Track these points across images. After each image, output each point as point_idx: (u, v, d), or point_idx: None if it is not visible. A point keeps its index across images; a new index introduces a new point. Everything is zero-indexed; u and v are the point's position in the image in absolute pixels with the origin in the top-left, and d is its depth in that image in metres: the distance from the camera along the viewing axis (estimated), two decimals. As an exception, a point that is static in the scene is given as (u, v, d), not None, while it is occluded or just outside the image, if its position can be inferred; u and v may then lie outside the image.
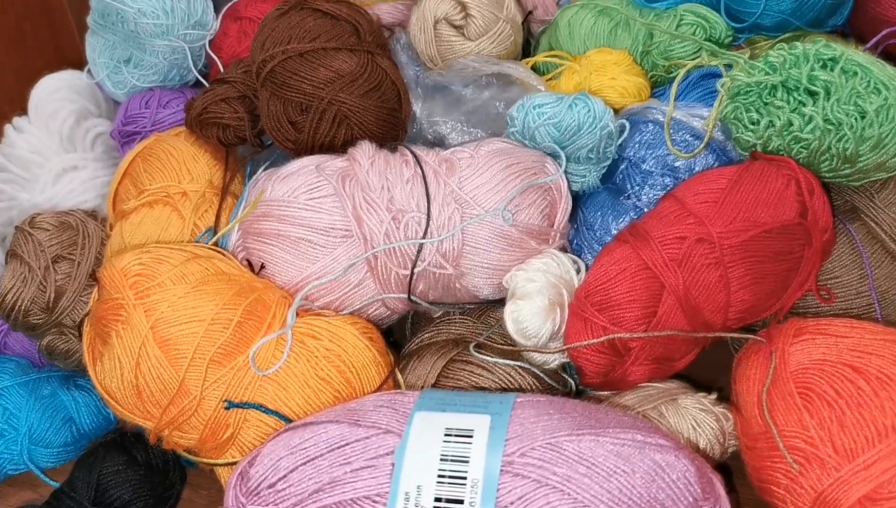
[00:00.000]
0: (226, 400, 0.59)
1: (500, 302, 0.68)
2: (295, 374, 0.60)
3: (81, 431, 0.70)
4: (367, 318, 0.68)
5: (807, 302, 0.67)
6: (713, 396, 0.64)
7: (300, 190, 0.66)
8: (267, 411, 0.59)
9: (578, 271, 0.67)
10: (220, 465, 0.61)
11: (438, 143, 0.76)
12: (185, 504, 0.67)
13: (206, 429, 0.60)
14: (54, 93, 0.85)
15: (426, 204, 0.64)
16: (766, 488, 0.57)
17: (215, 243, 0.68)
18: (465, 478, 0.50)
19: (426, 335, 0.69)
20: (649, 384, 0.64)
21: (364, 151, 0.68)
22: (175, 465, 0.65)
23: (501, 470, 0.50)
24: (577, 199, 0.74)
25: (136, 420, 0.61)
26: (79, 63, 0.92)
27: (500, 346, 0.66)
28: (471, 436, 0.52)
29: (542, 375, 0.65)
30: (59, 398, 0.70)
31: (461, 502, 0.49)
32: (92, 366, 0.61)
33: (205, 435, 0.60)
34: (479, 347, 0.66)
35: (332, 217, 0.65)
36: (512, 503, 0.49)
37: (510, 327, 0.63)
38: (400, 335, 0.75)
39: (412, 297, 0.66)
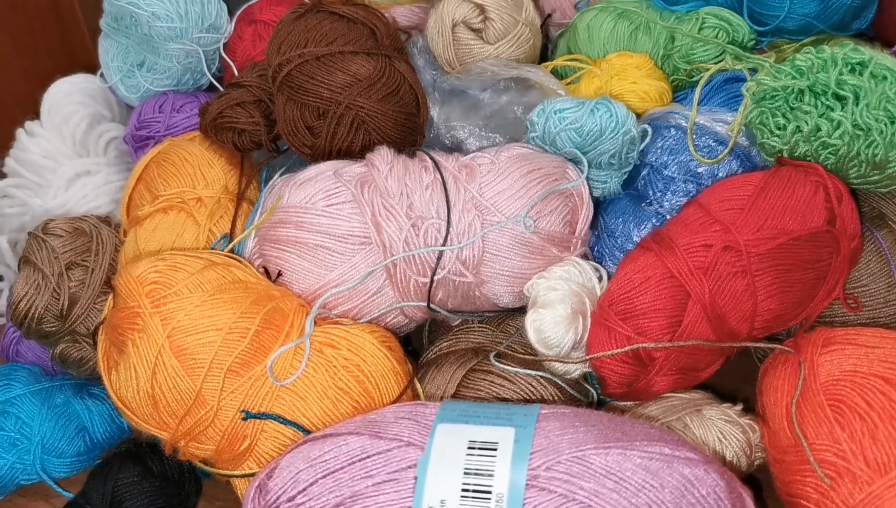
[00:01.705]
0: (243, 411, 0.58)
1: (520, 310, 0.67)
2: (313, 384, 0.59)
3: (95, 440, 0.69)
4: (385, 326, 0.66)
5: (833, 311, 0.66)
6: (739, 407, 0.62)
7: (318, 196, 0.65)
8: (285, 421, 0.58)
9: (601, 279, 0.66)
10: (237, 476, 0.60)
11: (456, 147, 0.75)
12: (200, 517, 0.66)
13: (223, 440, 0.59)
14: (67, 97, 0.85)
15: (446, 211, 0.63)
16: (795, 502, 0.56)
17: (231, 250, 0.67)
18: (490, 492, 0.49)
19: (445, 344, 0.68)
20: (673, 394, 0.63)
21: (382, 156, 0.66)
22: (191, 476, 0.64)
23: (527, 485, 0.49)
24: (598, 205, 0.72)
25: (151, 431, 0.60)
26: (90, 67, 0.91)
27: (520, 355, 0.64)
28: (495, 449, 0.51)
29: (564, 385, 0.64)
30: (72, 406, 0.69)
31: (486, 517, 0.48)
32: (107, 375, 0.60)
33: (221, 446, 0.59)
34: (499, 356, 0.64)
35: (350, 224, 0.64)
36: (538, 517, 0.48)
37: (532, 336, 0.62)
38: (418, 344, 0.74)
39: (431, 305, 0.65)
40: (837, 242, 0.62)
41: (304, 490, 0.52)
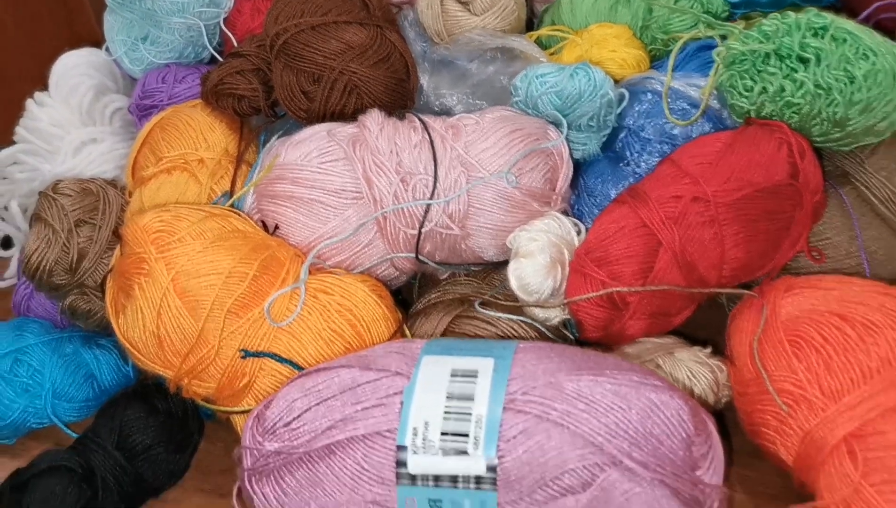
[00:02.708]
0: (242, 350, 0.62)
1: (505, 264, 0.71)
2: (308, 326, 0.63)
3: (102, 387, 0.73)
4: (377, 278, 0.70)
5: (799, 263, 0.70)
6: (708, 350, 0.67)
7: (313, 154, 0.69)
8: (281, 360, 0.62)
9: (579, 233, 0.70)
10: (237, 412, 0.64)
11: (445, 114, 0.79)
12: (202, 455, 0.70)
13: (224, 378, 0.63)
14: (74, 68, 0.88)
15: (433, 167, 0.67)
16: (756, 430, 0.60)
17: (231, 206, 0.70)
18: (470, 414, 0.53)
19: (433, 296, 0.72)
20: (646, 338, 0.67)
21: (374, 118, 0.70)
22: (194, 415, 0.68)
23: (504, 408, 0.53)
24: (579, 166, 0.76)
25: (156, 370, 0.64)
26: (94, 43, 0.95)
27: (503, 303, 0.68)
28: (475, 376, 0.55)
29: (543, 330, 0.68)
30: (81, 355, 0.73)
31: (466, 436, 0.52)
32: (115, 319, 0.64)
33: (222, 384, 0.63)
34: (483, 304, 0.69)
35: (343, 179, 0.68)
36: (514, 437, 0.52)
37: (513, 283, 0.66)
38: (409, 299, 0.78)
39: (420, 257, 0.69)
40: (800, 195, 0.66)
41: (299, 416, 0.56)
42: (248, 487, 0.57)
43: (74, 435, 0.70)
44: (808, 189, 0.66)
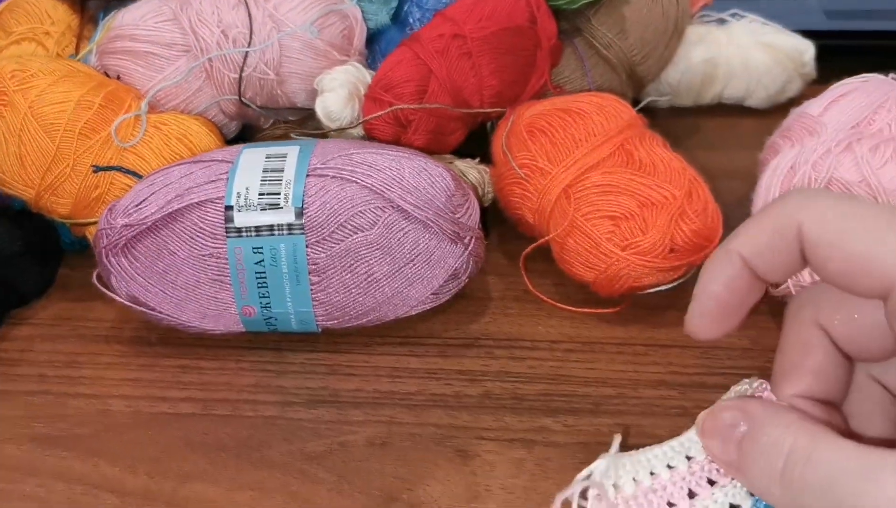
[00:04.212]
0: (93, 165, 0.75)
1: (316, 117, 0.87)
2: (151, 148, 0.77)
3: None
4: (208, 122, 0.85)
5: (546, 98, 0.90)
6: (477, 159, 0.85)
7: (148, 16, 0.82)
8: (127, 171, 0.76)
9: (372, 77, 0.87)
10: (92, 223, 0.77)
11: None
12: (62, 280, 0.82)
13: (79, 192, 0.75)
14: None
15: (249, 22, 0.82)
16: (507, 200, 0.79)
17: (77, 65, 0.83)
18: (280, 181, 0.68)
19: (257, 137, 0.87)
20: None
21: (197, -10, 0.85)
22: (54, 232, 0.80)
23: (308, 174, 0.69)
24: (374, 37, 0.93)
25: (19, 190, 0.75)
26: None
27: (312, 132, 0.85)
28: (285, 157, 0.70)
29: (348, 152, 0.84)
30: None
31: (278, 194, 0.68)
32: (-21, 149, 0.75)
33: (78, 198, 0.76)
34: (298, 136, 0.84)
35: (173, 34, 0.82)
36: (315, 192, 0.68)
37: (319, 112, 0.82)
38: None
39: (243, 99, 0.84)
40: (538, 37, 0.86)
41: (145, 199, 0.70)
42: (106, 262, 0.70)
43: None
44: (545, 34, 0.86)
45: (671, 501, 0.47)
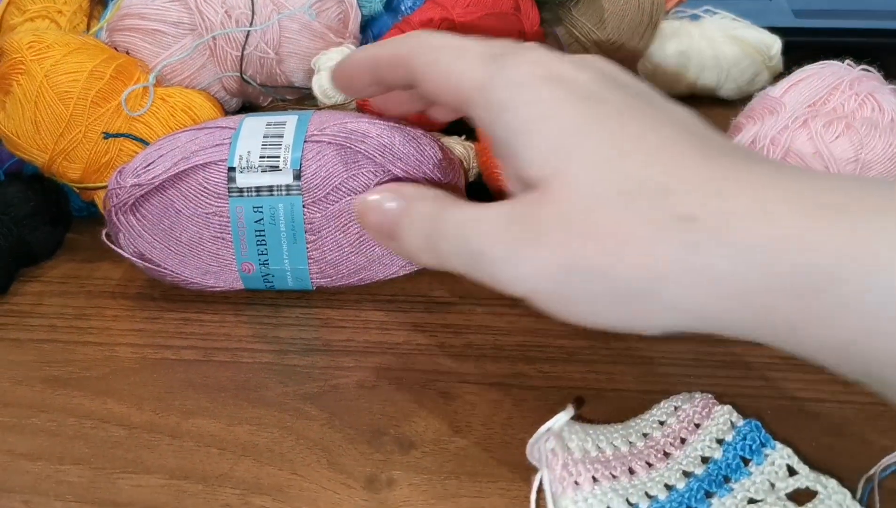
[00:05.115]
0: (104, 132, 0.80)
1: (312, 98, 0.92)
2: (158, 118, 0.82)
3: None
4: (211, 98, 0.90)
5: (530, 83, 0.96)
6: (463, 137, 0.91)
7: (154, -4, 0.88)
8: (137, 138, 0.81)
9: (366, 59, 0.92)
10: (101, 188, 0.82)
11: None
12: (70, 243, 0.87)
13: (90, 157, 0.80)
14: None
15: (251, 3, 0.88)
16: (490, 173, 0.84)
17: (88, 42, 0.88)
18: (280, 145, 0.74)
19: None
20: (419, 131, 0.90)
21: (203, -26, 0.90)
22: (65, 197, 0.85)
23: (305, 140, 0.74)
24: (369, 23, 0.99)
25: (34, 154, 0.80)
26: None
27: (310, 106, 0.90)
28: (285, 124, 0.76)
29: (342, 128, 0.89)
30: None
31: (278, 157, 0.73)
32: (-4, 116, 0.80)
33: (88, 164, 0.81)
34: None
35: (179, 14, 0.87)
36: (312, 156, 0.73)
37: (315, 90, 0.88)
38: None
39: (244, 76, 0.89)
40: (522, 24, 0.91)
41: (154, 161, 0.75)
42: (115, 220, 0.75)
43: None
44: (528, 21, 0.92)
45: (614, 474, 0.55)
